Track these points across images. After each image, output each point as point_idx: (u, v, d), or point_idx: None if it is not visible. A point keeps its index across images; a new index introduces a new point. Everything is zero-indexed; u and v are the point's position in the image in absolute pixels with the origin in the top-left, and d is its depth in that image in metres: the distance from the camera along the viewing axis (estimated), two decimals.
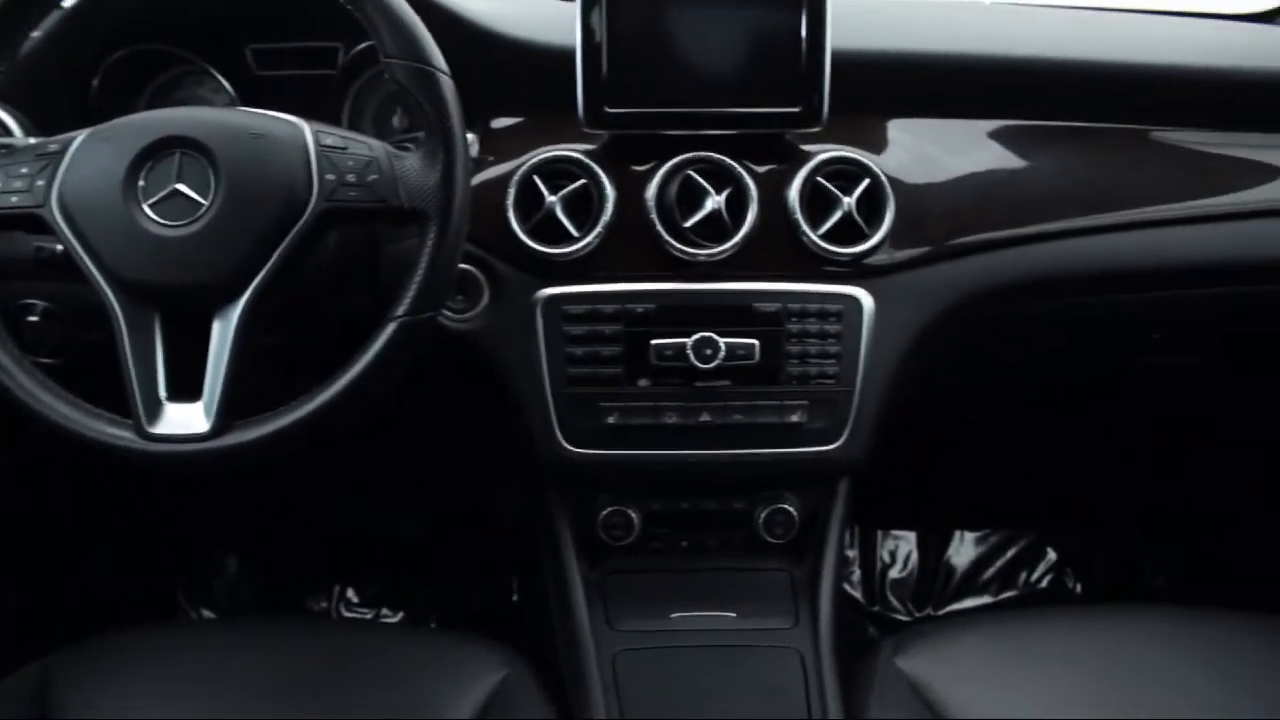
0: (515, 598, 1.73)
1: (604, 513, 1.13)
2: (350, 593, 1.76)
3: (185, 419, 0.84)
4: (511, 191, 1.03)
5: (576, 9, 0.99)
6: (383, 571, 1.77)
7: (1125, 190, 1.16)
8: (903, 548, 1.79)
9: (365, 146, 0.88)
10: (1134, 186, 1.16)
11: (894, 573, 1.77)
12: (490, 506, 1.74)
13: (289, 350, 1.05)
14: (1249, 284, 1.20)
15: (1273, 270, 1.18)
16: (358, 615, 1.75)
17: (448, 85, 0.87)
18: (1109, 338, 1.34)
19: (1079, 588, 1.79)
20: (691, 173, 1.03)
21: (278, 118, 0.89)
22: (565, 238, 1.03)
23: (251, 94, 1.19)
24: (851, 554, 1.77)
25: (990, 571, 1.79)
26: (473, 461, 1.64)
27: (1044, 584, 1.79)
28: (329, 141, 0.87)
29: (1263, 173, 1.19)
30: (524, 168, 1.03)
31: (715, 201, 1.02)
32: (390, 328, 0.86)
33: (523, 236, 1.02)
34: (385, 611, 1.75)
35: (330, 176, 0.85)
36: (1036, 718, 1.00)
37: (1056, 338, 1.31)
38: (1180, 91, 1.20)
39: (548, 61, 1.06)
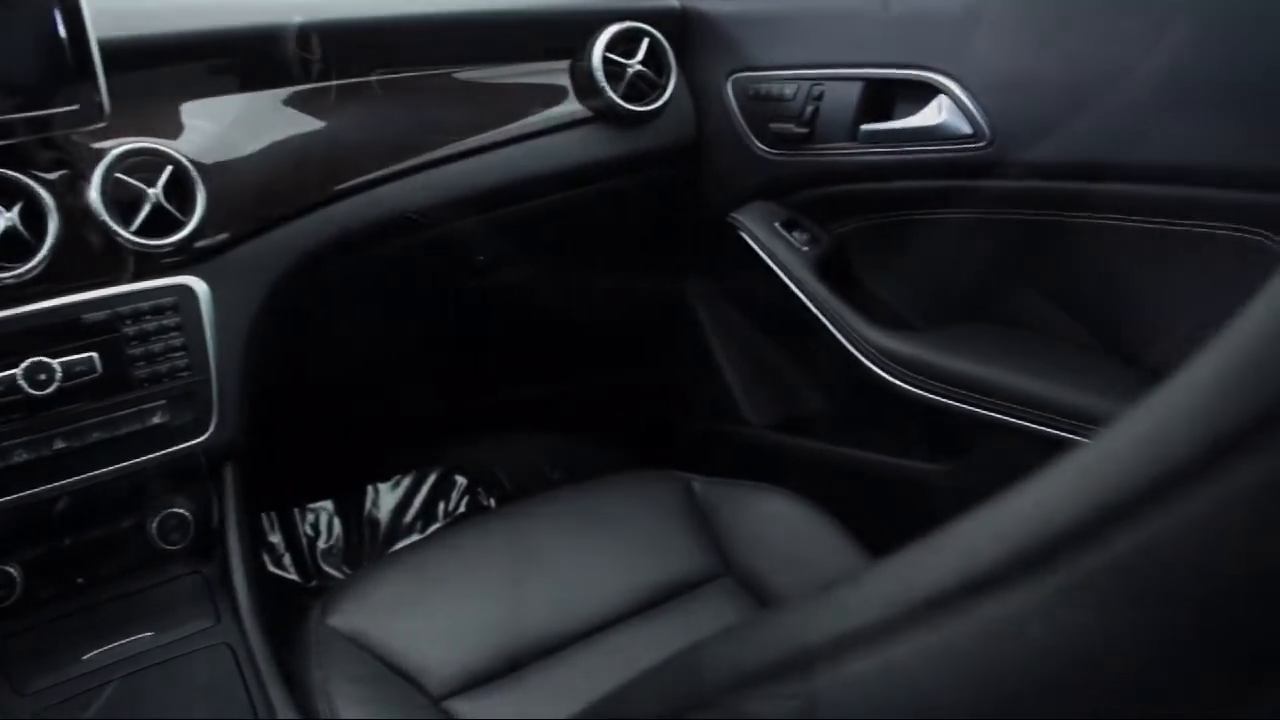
0: None
1: None
2: None
3: None
4: None
5: None
6: None
7: (434, 129, 1.24)
8: (324, 517, 1.81)
9: None
10: (442, 124, 1.25)
11: (322, 543, 1.78)
12: None
13: None
14: (546, 194, 1.34)
15: (560, 178, 1.33)
16: None
17: None
18: (445, 268, 1.43)
19: (493, 502, 1.92)
20: None
21: None
22: None
23: None
24: (275, 539, 1.75)
25: (411, 513, 1.86)
26: None
27: (462, 508, 1.89)
28: None
29: (547, 95, 1.33)
30: None
31: (8, 219, 0.95)
32: None
33: None
34: None
35: None
36: (465, 620, 1.08)
37: (402, 277, 1.37)
38: (471, 34, 1.29)
39: None
